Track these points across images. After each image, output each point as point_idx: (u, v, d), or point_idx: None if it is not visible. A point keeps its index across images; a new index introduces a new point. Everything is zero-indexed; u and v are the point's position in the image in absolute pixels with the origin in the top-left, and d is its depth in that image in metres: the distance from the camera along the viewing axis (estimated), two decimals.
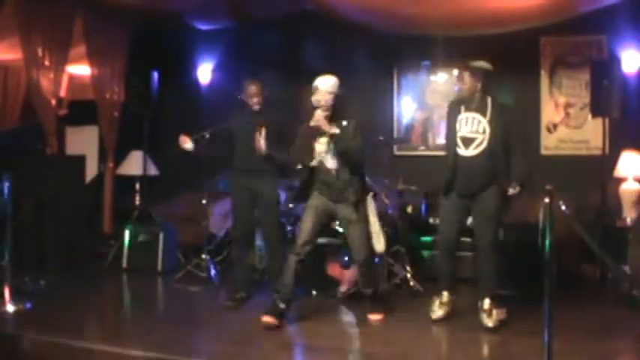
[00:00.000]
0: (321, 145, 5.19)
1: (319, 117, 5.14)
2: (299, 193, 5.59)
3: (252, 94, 5.82)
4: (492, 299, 5.17)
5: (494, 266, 5.22)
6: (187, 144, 5.85)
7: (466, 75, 5.22)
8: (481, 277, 5.25)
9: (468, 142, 5.17)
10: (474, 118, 5.18)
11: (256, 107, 5.83)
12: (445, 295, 5.37)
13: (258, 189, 5.81)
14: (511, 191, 5.03)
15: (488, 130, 5.12)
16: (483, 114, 5.17)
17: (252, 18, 7.82)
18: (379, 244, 5.49)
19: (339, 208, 5.29)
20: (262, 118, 5.72)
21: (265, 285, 6.51)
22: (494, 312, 5.14)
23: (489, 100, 5.21)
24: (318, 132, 5.18)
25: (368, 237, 5.36)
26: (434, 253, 6.89)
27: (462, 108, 5.26)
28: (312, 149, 5.23)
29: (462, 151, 5.20)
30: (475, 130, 5.16)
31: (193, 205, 7.66)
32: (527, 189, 5.10)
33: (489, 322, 5.12)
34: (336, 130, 5.14)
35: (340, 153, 5.16)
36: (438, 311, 5.36)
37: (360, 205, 5.28)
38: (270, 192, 5.85)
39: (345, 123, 5.19)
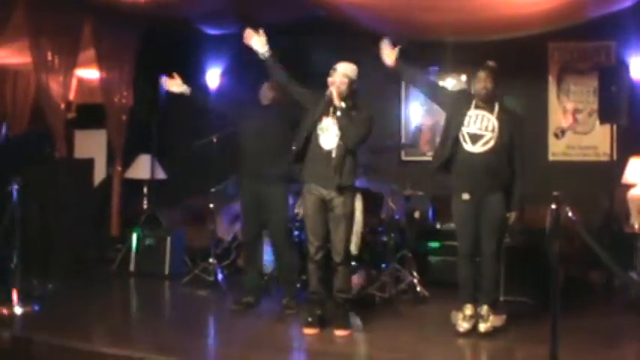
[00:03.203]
0: (326, 121, 5.12)
1: (331, 92, 5.09)
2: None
3: (268, 91, 5.82)
4: (491, 306, 5.17)
5: (495, 275, 5.27)
6: (177, 84, 5.87)
7: (487, 74, 5.14)
8: (482, 283, 5.22)
9: (475, 138, 5.07)
10: (484, 116, 5.10)
11: (266, 102, 5.82)
12: (469, 307, 5.20)
13: (269, 195, 5.77)
14: (510, 220, 5.15)
15: (496, 130, 5.06)
16: (492, 113, 5.12)
17: (261, 23, 7.82)
18: (354, 244, 5.49)
19: (330, 198, 5.12)
20: (278, 116, 5.73)
21: (272, 290, 6.52)
22: (491, 318, 5.14)
23: (497, 105, 5.16)
24: (326, 109, 5.13)
25: (349, 236, 5.30)
26: (441, 258, 6.90)
27: (473, 104, 5.16)
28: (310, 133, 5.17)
29: (467, 146, 5.09)
30: (485, 127, 5.08)
31: (201, 209, 7.68)
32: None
33: (481, 327, 5.10)
34: (342, 104, 5.08)
35: (342, 129, 5.06)
36: (464, 324, 5.17)
37: (348, 196, 5.17)
38: (280, 198, 5.81)
39: (355, 112, 5.15)
